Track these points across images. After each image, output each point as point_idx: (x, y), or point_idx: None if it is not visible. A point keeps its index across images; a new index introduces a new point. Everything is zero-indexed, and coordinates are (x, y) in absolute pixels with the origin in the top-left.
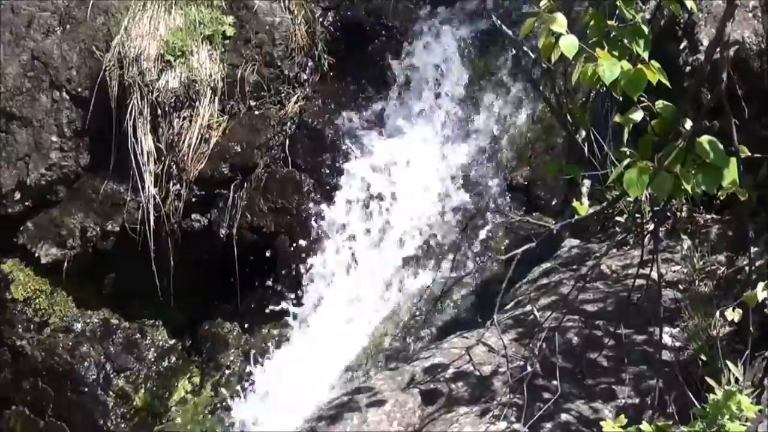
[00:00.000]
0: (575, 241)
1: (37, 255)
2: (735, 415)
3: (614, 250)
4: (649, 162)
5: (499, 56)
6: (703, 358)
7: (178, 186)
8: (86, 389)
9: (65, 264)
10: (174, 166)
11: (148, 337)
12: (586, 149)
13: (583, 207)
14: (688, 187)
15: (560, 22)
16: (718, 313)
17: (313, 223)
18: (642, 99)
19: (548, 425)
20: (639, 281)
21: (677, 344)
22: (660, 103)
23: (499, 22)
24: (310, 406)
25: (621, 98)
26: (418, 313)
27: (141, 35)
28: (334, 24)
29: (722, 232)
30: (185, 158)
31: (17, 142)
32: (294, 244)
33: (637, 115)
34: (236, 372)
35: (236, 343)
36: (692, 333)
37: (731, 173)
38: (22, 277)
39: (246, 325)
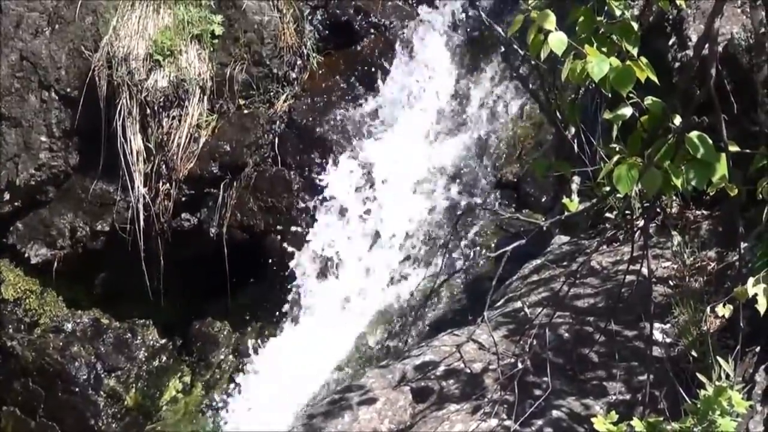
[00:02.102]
0: (565, 238)
1: (26, 255)
2: (726, 410)
3: (604, 247)
4: (639, 158)
5: (488, 53)
6: (694, 353)
7: (168, 185)
8: (77, 389)
9: (55, 264)
10: (163, 166)
11: (139, 337)
12: (575, 146)
13: (573, 204)
14: (678, 183)
15: (549, 19)
16: (708, 309)
17: (302, 221)
18: (631, 95)
19: (539, 422)
20: (629, 277)
21: (668, 340)
22: (649, 100)
23: (488, 19)
24: (301, 405)
25: (610, 95)
26: (408, 311)
27: (129, 35)
28: (323, 22)
29: (712, 228)
30: (175, 157)
31: (6, 142)
32: (284, 243)
33: (627, 112)
34: (227, 371)
35: (227, 342)
36: (683, 329)
37: (721, 168)
38: (12, 277)
39: (236, 324)
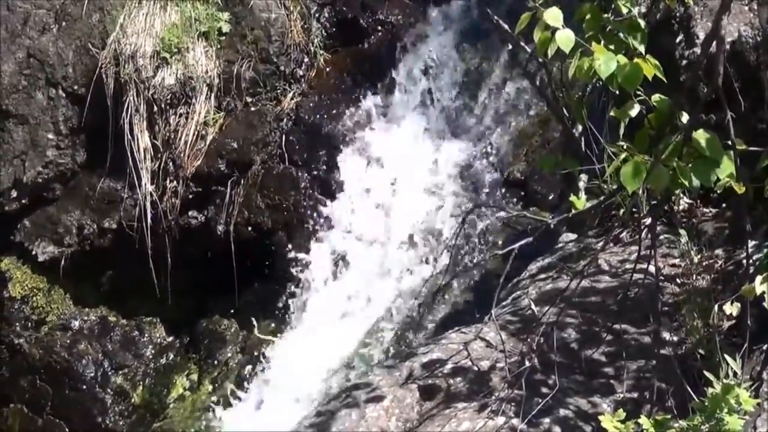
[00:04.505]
0: (572, 236)
1: (34, 253)
2: (733, 408)
3: (612, 245)
4: (646, 156)
5: (495, 50)
6: (702, 352)
7: (175, 183)
8: (84, 387)
9: (62, 262)
10: (171, 163)
11: (146, 335)
12: (582, 143)
13: (580, 201)
14: (685, 181)
15: (556, 16)
16: (716, 307)
17: (309, 219)
18: (638, 93)
19: (546, 420)
20: (637, 275)
21: (675, 338)
22: (656, 97)
23: (495, 16)
24: (308, 403)
25: (617, 92)
26: (415, 309)
27: (137, 32)
28: (330, 20)
29: (719, 226)
30: (182, 155)
31: (14, 140)
32: (291, 241)
33: (634, 109)
34: (234, 369)
35: (234, 340)
36: (690, 327)
37: (728, 166)
38: (19, 275)
39: (244, 322)
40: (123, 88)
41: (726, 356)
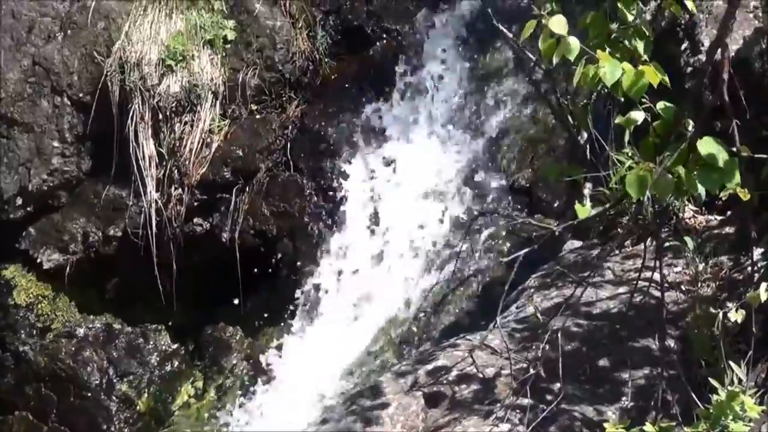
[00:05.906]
0: (577, 243)
1: (39, 260)
2: (738, 415)
3: (617, 252)
4: (651, 163)
5: (500, 58)
6: (706, 359)
7: (180, 190)
8: (89, 394)
9: (67, 269)
10: (176, 171)
11: (151, 342)
12: (588, 151)
13: (585, 209)
14: (690, 189)
15: (561, 23)
16: (721, 314)
17: (314, 226)
18: (643, 100)
19: (552, 427)
20: (642, 283)
21: (680, 346)
22: (661, 105)
23: (499, 24)
24: (313, 410)
25: (622, 100)
26: (421, 316)
27: (142, 40)
28: (335, 27)
29: (724, 233)
30: (187, 163)
31: (19, 147)
32: (296, 248)
33: (639, 117)
34: (239, 376)
35: (239, 348)
36: (695, 334)
37: (733, 174)
38: (24, 282)
39: (249, 330)
40: (128, 95)
41: (731, 363)
